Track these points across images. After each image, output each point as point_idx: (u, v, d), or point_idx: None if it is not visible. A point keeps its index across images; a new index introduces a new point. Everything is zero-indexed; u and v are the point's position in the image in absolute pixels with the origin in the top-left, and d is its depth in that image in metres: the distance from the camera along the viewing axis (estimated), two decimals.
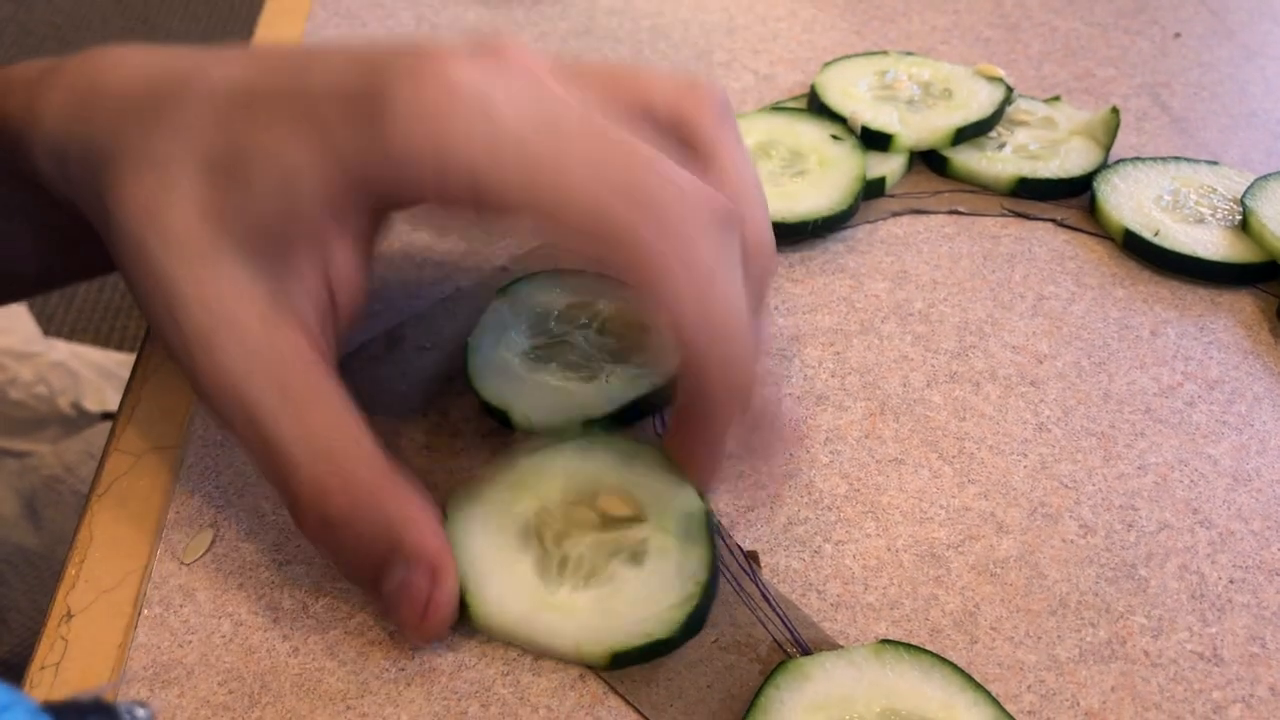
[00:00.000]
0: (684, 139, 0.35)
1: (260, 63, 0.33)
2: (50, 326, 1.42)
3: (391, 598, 0.32)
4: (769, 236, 0.36)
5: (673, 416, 0.35)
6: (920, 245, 0.47)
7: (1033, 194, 0.49)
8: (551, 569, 0.33)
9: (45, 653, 0.33)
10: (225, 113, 0.32)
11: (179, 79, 0.33)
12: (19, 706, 0.19)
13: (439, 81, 0.30)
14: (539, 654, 0.33)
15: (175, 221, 0.31)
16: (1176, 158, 0.50)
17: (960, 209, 0.49)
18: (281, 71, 0.32)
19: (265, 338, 0.31)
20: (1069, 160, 0.50)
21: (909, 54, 0.55)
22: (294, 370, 0.31)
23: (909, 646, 0.32)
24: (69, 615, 0.33)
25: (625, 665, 0.32)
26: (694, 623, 0.33)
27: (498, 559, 0.33)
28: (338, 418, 0.32)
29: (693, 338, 0.31)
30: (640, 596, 0.33)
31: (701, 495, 0.35)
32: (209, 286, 0.31)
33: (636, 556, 0.33)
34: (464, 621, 0.33)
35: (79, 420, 1.09)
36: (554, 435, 0.38)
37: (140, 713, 0.21)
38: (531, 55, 0.33)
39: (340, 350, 0.34)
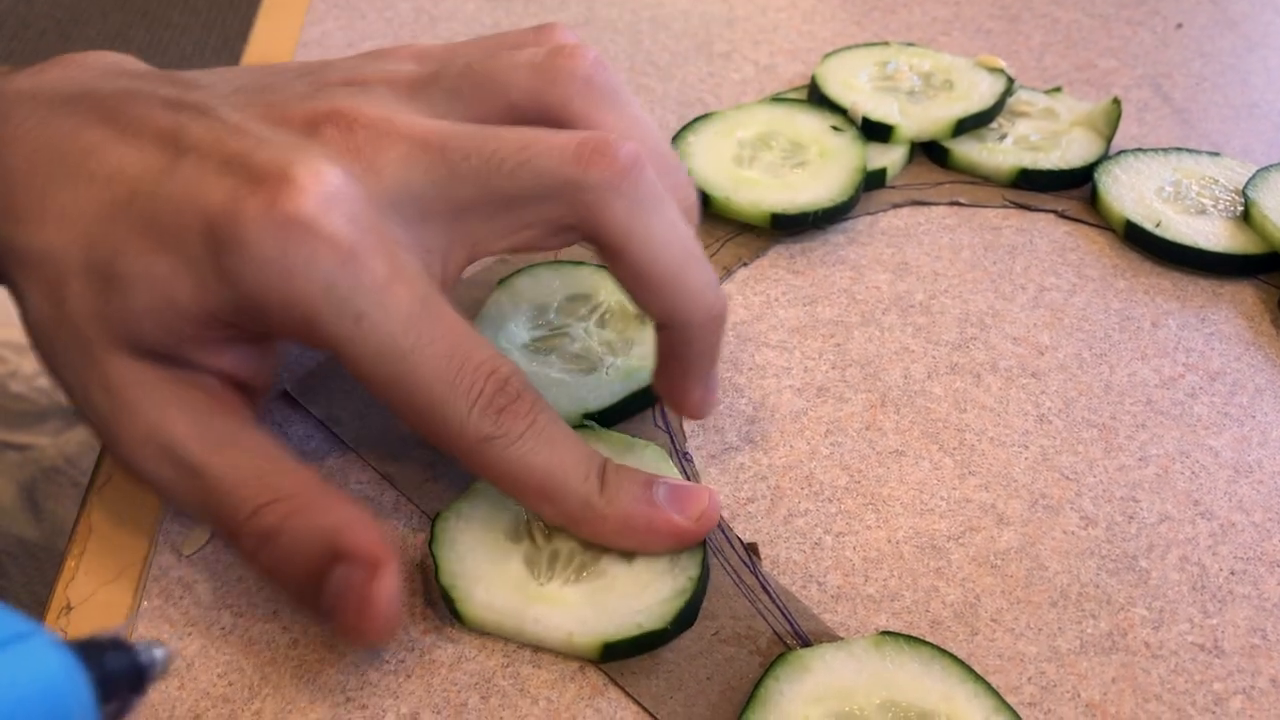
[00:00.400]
0: (555, 125, 0.34)
1: (145, 143, 0.32)
2: None
3: (334, 602, 0.31)
4: (680, 178, 0.36)
5: (657, 362, 0.35)
6: (921, 237, 0.47)
7: (1034, 185, 0.49)
8: (541, 564, 0.33)
9: None
10: (108, 211, 0.31)
11: (72, 161, 0.32)
12: (38, 636, 0.19)
13: (289, 225, 0.29)
14: (531, 647, 0.32)
15: (71, 320, 0.31)
16: (1178, 149, 0.50)
17: (961, 200, 0.49)
18: (158, 161, 0.31)
19: (173, 398, 0.32)
20: (1070, 151, 0.50)
21: (910, 45, 0.55)
22: (206, 422, 0.32)
23: (909, 638, 0.32)
24: (68, 607, 0.33)
25: (617, 657, 0.32)
26: (686, 616, 0.32)
27: (488, 554, 0.33)
28: (258, 449, 0.32)
29: (657, 271, 0.32)
30: (632, 590, 0.33)
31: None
32: (111, 372, 0.32)
33: (628, 552, 0.33)
34: (456, 620, 0.33)
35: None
36: None
37: (158, 653, 0.21)
38: (388, 110, 0.32)
39: (262, 396, 0.35)
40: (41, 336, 0.33)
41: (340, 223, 0.29)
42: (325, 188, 0.30)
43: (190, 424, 0.32)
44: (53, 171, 0.32)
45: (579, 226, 0.32)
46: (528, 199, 0.32)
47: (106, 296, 0.31)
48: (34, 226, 0.32)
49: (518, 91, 0.34)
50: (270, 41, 0.58)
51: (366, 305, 0.29)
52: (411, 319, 0.30)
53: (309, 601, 0.32)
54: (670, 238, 0.32)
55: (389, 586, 0.30)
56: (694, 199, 0.37)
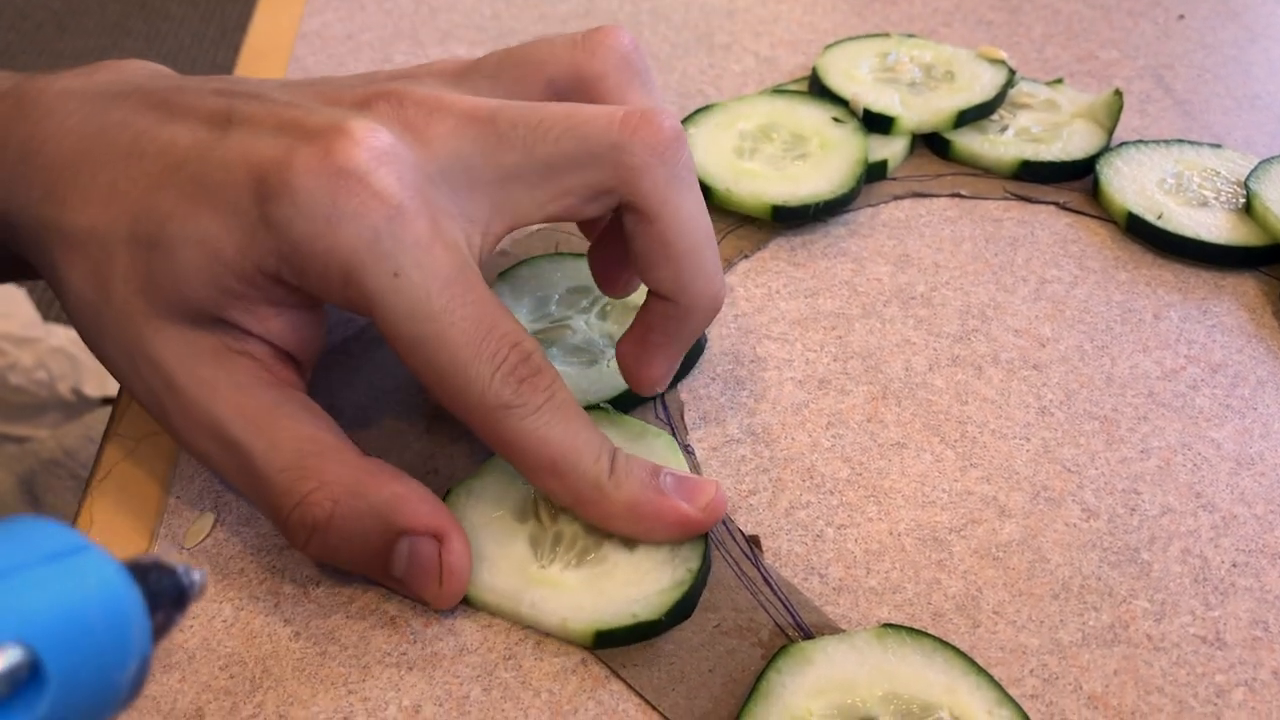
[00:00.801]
0: (591, 100, 0.35)
1: (196, 123, 0.33)
2: (50, 312, 1.42)
3: (406, 577, 0.32)
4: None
5: (635, 329, 0.35)
6: (922, 229, 0.47)
7: (1035, 177, 0.49)
8: (545, 544, 0.33)
9: None
10: (156, 182, 0.32)
11: (121, 144, 0.33)
12: (94, 550, 0.20)
13: (341, 175, 0.30)
14: (525, 627, 0.33)
15: (119, 295, 0.32)
16: (1179, 140, 0.50)
17: (962, 192, 0.49)
18: (209, 135, 0.32)
19: (219, 370, 0.32)
20: (1071, 143, 0.50)
21: (911, 36, 0.55)
22: (251, 394, 0.32)
23: (911, 630, 0.32)
24: None
25: (610, 645, 0.32)
26: (683, 608, 0.32)
27: (493, 532, 0.34)
28: (301, 428, 0.32)
29: (683, 244, 0.33)
30: (631, 578, 0.33)
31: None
32: (160, 345, 0.32)
33: (630, 539, 0.33)
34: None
35: (79, 405, 1.09)
36: None
37: (196, 575, 0.22)
38: (435, 95, 0.33)
39: (309, 371, 0.35)
40: (86, 317, 0.33)
41: (390, 179, 0.30)
42: (378, 143, 0.30)
43: (235, 399, 0.32)
44: (101, 155, 0.33)
45: (618, 190, 0.32)
46: (571, 165, 0.32)
47: (152, 263, 0.31)
48: (80, 206, 0.32)
49: (556, 66, 0.35)
50: (269, 33, 0.58)
51: (406, 262, 0.30)
52: (447, 281, 0.30)
53: (373, 575, 0.33)
54: (698, 215, 0.33)
55: (460, 552, 0.32)
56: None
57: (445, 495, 0.35)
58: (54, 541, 0.20)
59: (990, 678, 0.31)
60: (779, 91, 0.52)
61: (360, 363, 0.40)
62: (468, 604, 0.33)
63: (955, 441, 0.38)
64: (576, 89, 0.35)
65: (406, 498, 0.32)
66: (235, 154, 0.31)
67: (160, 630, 0.21)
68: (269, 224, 0.30)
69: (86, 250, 0.32)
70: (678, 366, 0.36)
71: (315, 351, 0.35)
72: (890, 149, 0.49)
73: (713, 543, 0.35)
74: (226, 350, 0.32)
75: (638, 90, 0.35)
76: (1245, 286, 0.45)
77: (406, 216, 0.30)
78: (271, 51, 0.57)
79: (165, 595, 0.21)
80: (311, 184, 0.30)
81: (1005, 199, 0.49)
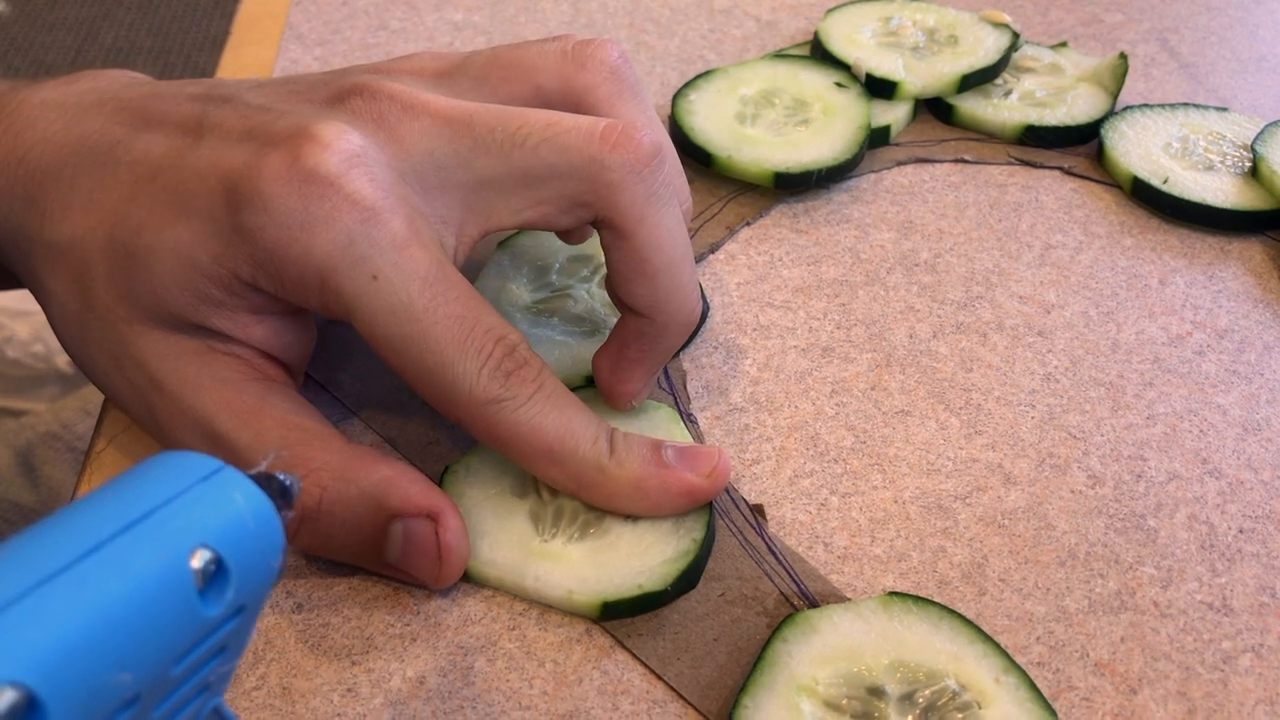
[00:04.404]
0: (580, 110, 0.35)
1: (170, 130, 0.33)
2: None
3: (402, 560, 0.31)
4: (680, 180, 0.37)
5: (610, 344, 0.35)
6: (926, 194, 0.47)
7: (1040, 142, 0.49)
8: (546, 519, 0.33)
9: None
10: (131, 192, 0.32)
11: (99, 154, 0.33)
12: (229, 469, 0.23)
13: (311, 180, 0.29)
14: (531, 601, 0.32)
15: (101, 302, 0.32)
16: (1185, 104, 0.50)
17: (966, 157, 0.48)
18: (182, 142, 0.32)
19: (203, 368, 0.32)
20: (1076, 107, 0.49)
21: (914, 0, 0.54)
22: (236, 389, 0.32)
23: (917, 598, 0.31)
24: None
25: (616, 616, 0.32)
26: (688, 578, 0.32)
27: (493, 508, 0.33)
28: (286, 418, 0.32)
29: (659, 261, 0.33)
30: (635, 550, 0.32)
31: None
32: (144, 347, 0.32)
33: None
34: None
35: (76, 378, 1.09)
36: None
37: (293, 478, 0.24)
38: (411, 92, 0.32)
39: (300, 374, 0.35)
40: (71, 325, 0.33)
41: (362, 181, 0.30)
42: (348, 146, 0.30)
43: (219, 394, 0.32)
44: (79, 164, 0.33)
45: (594, 204, 0.32)
46: (548, 175, 0.32)
47: (131, 272, 0.31)
48: (60, 216, 0.32)
49: (545, 75, 0.35)
50: (263, 0, 0.57)
51: (383, 264, 0.30)
52: (427, 280, 0.30)
53: (367, 563, 0.32)
54: (676, 232, 0.33)
55: (457, 530, 0.31)
56: (690, 204, 0.38)
57: (444, 472, 0.34)
58: (198, 466, 0.22)
59: (996, 645, 0.31)
60: (780, 56, 0.51)
61: (356, 339, 0.40)
62: (470, 580, 0.33)
63: (960, 409, 0.38)
64: (565, 99, 0.35)
65: (396, 480, 0.31)
66: (206, 162, 0.31)
67: (284, 523, 0.24)
68: (241, 232, 0.30)
69: (67, 259, 0.32)
70: (655, 380, 0.36)
71: (303, 356, 0.35)
72: (893, 114, 0.49)
73: (717, 512, 0.34)
74: (211, 350, 0.32)
75: (627, 102, 0.35)
76: (1252, 251, 0.45)
77: (380, 217, 0.30)
78: (266, 19, 0.56)
79: (279, 497, 0.24)
80: (281, 190, 0.29)
81: (1009, 164, 0.48)
